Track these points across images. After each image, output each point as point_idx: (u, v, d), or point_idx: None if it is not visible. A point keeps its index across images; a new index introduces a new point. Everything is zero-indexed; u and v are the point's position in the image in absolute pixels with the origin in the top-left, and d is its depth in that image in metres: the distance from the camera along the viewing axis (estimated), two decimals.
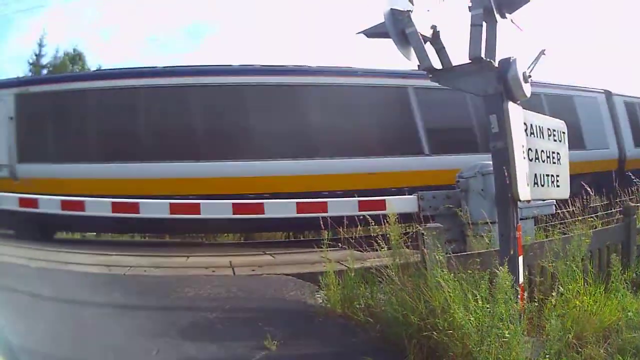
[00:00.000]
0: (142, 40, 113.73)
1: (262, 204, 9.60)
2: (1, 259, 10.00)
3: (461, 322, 4.16)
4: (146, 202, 9.78)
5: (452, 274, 4.63)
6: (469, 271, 4.75)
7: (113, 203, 9.73)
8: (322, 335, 5.67)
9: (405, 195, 9.39)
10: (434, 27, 5.74)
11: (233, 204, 9.71)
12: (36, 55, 53.90)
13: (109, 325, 6.07)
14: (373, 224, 6.39)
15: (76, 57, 73.16)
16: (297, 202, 9.54)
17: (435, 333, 4.33)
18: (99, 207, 10.06)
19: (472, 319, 4.17)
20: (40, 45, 54.22)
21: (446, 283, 4.51)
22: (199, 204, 9.66)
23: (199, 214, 9.70)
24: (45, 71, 51.60)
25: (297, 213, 9.52)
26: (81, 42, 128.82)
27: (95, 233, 18.16)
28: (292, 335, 5.58)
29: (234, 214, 9.66)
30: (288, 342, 5.34)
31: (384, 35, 6.06)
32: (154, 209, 9.88)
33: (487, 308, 4.23)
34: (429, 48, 5.66)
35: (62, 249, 12.21)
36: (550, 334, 4.47)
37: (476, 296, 4.33)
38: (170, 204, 9.61)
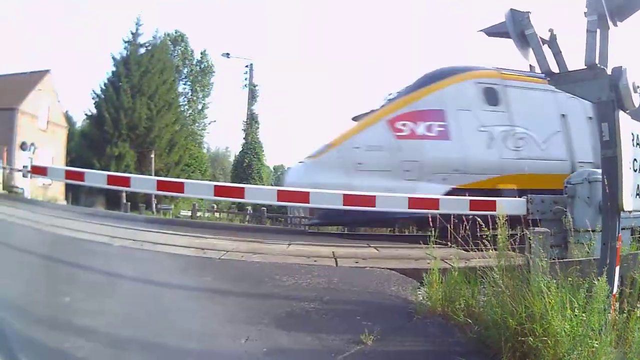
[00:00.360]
0: (245, 28, 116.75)
1: (374, 197, 10.07)
2: (81, 236, 10.86)
3: (557, 329, 4.51)
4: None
5: (554, 280, 4.94)
6: (569, 278, 5.05)
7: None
8: (419, 333, 5.97)
9: None
10: (551, 30, 6.10)
11: (344, 194, 10.25)
12: (133, 33, 56.21)
13: (197, 309, 6.58)
14: (482, 225, 6.72)
15: (178, 39, 75.77)
16: (409, 197, 9.95)
17: (531, 338, 4.66)
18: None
19: (566, 326, 4.50)
20: (138, 24, 56.62)
21: (548, 289, 4.84)
22: (308, 192, 10.23)
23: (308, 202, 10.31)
24: (142, 50, 53.81)
25: (409, 208, 9.93)
26: (182, 25, 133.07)
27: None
28: (389, 331, 5.92)
29: (344, 205, 10.18)
30: (384, 338, 5.70)
31: (504, 35, 6.48)
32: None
33: (582, 317, 4.55)
34: (546, 51, 6.05)
35: (152, 229, 12.94)
36: (633, 346, 4.76)
37: (573, 304, 4.66)
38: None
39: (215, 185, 10.67)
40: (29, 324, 5.65)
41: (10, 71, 58.79)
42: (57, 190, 47.42)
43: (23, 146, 34.15)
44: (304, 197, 10.51)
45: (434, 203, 9.56)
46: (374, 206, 10.34)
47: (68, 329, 5.56)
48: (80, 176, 11.29)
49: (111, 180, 11.28)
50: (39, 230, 11.53)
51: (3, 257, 8.87)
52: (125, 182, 10.99)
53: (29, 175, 27.77)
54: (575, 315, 4.60)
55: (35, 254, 9.04)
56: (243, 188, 10.64)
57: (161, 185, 10.87)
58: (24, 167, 30.17)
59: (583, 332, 4.49)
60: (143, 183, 11.61)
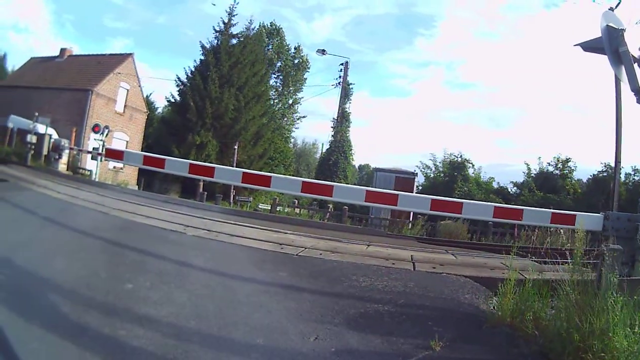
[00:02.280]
0: (347, 22, 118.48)
1: (461, 203, 10.42)
2: (151, 223, 11.60)
3: (616, 345, 4.79)
4: None
5: (621, 297, 5.20)
6: (635, 297, 5.30)
7: None
8: (485, 342, 6.19)
9: None
10: None
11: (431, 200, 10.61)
12: (224, 23, 57.66)
13: (268, 304, 6.87)
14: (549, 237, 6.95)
15: (273, 32, 77.15)
16: (495, 206, 10.27)
17: (590, 355, 4.93)
18: None
19: (625, 343, 4.78)
20: (230, 14, 58.17)
21: (615, 306, 5.11)
22: (396, 194, 10.62)
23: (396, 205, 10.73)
24: (234, 41, 55.18)
25: (493, 217, 10.26)
26: (276, 16, 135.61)
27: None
28: (458, 338, 6.18)
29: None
30: (452, 344, 5.95)
31: (599, 50, 6.81)
32: None
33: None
34: (636, 69, 6.34)
35: (229, 220, 13.58)
36: None
37: (635, 322, 4.96)
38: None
39: (303, 182, 10.96)
40: (83, 308, 6.00)
41: (87, 52, 60.95)
42: (128, 174, 48.91)
43: (96, 129, 35.23)
44: (392, 199, 10.82)
45: (518, 213, 9.80)
46: (461, 213, 10.65)
47: (126, 317, 5.87)
48: (160, 163, 11.51)
49: (194, 169, 11.53)
50: (104, 214, 12.32)
51: (62, 239, 9.41)
52: (210, 172, 11.21)
53: (99, 157, 28.80)
54: (634, 332, 4.88)
55: (97, 238, 9.62)
56: (332, 186, 10.89)
57: (247, 178, 11.10)
58: (94, 149, 31.34)
59: (638, 350, 4.75)
60: (228, 174, 11.92)
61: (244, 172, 11.05)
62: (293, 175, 56.56)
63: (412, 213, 28.88)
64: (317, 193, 11.05)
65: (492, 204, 10.47)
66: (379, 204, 11.38)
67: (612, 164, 24.13)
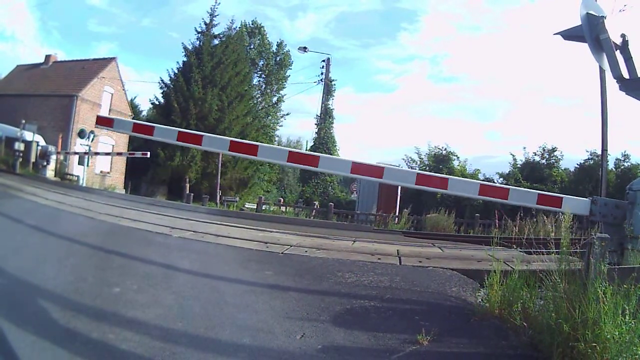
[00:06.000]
0: (331, 19, 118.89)
1: (446, 179, 10.33)
2: (138, 226, 11.49)
3: (607, 335, 4.67)
4: None
5: (610, 286, 5.08)
6: (625, 285, 5.15)
7: None
8: (474, 335, 6.09)
9: None
10: (623, 36, 6.31)
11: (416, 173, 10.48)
12: (206, 24, 57.75)
13: (254, 304, 6.78)
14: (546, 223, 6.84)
15: (255, 31, 76.99)
16: (480, 184, 10.19)
17: (582, 344, 4.79)
18: None
19: (616, 333, 4.67)
20: (212, 15, 58.33)
21: (604, 295, 4.98)
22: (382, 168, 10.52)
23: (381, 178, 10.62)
24: (216, 41, 55.17)
25: (479, 195, 10.19)
26: (260, 16, 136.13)
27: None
28: (445, 332, 6.06)
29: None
30: (440, 338, 5.85)
31: (580, 39, 6.73)
32: None
33: (632, 323, 4.71)
34: (618, 56, 6.26)
35: (215, 220, 13.53)
36: None
37: (625, 311, 4.83)
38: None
39: (289, 151, 10.86)
40: (72, 313, 5.89)
41: (73, 57, 60.76)
42: (115, 178, 48.92)
43: (81, 134, 35.20)
44: (378, 172, 10.73)
45: (504, 192, 9.73)
46: (447, 189, 10.58)
47: (114, 320, 5.80)
48: (149, 130, 11.37)
49: (182, 136, 11.41)
50: (91, 219, 12.22)
51: (50, 245, 9.35)
52: (197, 139, 11.09)
53: (86, 159, 28.63)
54: (625, 322, 4.76)
55: (85, 243, 9.54)
56: (318, 157, 10.82)
57: (234, 147, 10.99)
58: (85, 153, 31.16)
59: (629, 339, 4.64)
60: (215, 142, 11.77)
61: (231, 141, 10.91)
62: (279, 174, 56.53)
63: (397, 208, 28.80)
64: (303, 163, 10.92)
65: (478, 181, 10.36)
66: (365, 176, 11.25)
67: (599, 152, 24.20)
